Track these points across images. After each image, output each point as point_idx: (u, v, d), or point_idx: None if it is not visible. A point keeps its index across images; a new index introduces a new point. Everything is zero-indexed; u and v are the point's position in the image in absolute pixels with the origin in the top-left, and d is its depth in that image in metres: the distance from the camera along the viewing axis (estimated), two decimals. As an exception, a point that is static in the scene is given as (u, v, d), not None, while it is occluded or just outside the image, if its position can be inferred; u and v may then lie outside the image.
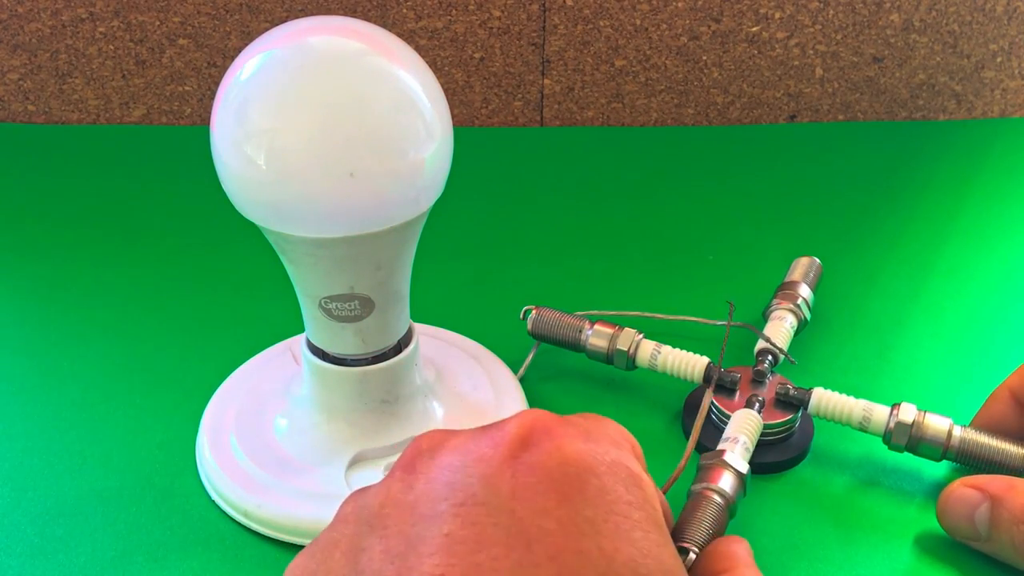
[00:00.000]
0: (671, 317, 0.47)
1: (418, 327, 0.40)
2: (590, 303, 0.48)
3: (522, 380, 0.44)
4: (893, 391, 0.45)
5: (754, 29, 0.65)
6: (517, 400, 0.42)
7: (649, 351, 0.43)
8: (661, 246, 0.55)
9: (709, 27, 0.65)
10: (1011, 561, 0.36)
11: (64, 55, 0.64)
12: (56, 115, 0.67)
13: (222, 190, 0.34)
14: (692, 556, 0.33)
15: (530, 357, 0.45)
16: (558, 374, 0.45)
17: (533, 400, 0.43)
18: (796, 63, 0.66)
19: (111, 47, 0.64)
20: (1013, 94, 0.69)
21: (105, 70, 0.65)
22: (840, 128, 0.68)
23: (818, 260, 0.49)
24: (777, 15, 0.64)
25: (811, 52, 0.66)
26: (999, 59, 0.67)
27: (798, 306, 0.46)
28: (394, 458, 0.38)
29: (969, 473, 0.39)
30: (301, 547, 0.36)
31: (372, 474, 0.38)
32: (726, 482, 0.36)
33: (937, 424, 0.38)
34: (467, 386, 0.42)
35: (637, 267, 0.53)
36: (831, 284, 0.50)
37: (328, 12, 0.64)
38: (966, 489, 0.37)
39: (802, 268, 0.48)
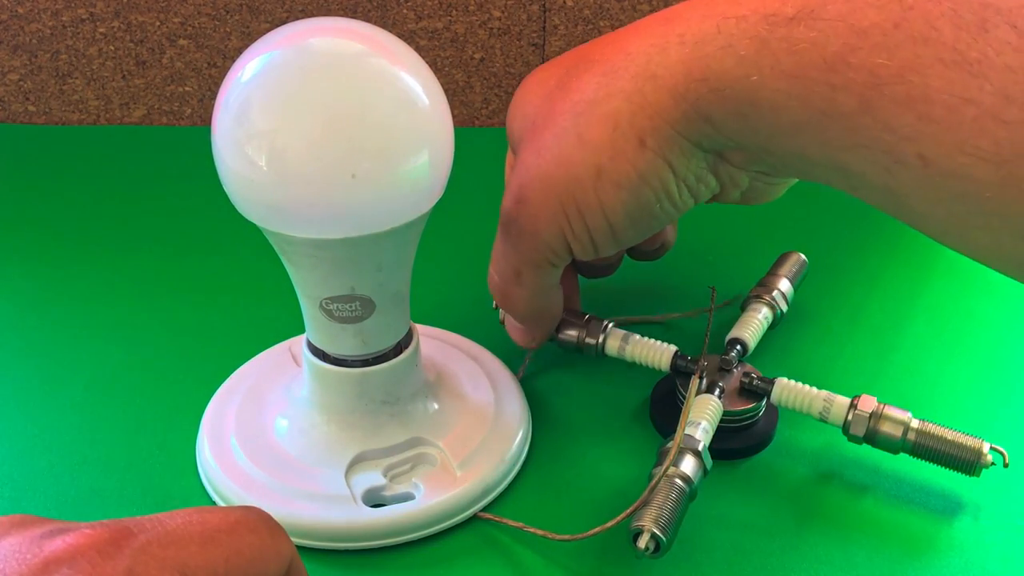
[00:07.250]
0: (647, 319, 0.48)
1: (418, 328, 0.40)
2: (588, 303, 0.48)
3: (522, 380, 0.44)
4: (893, 394, 0.44)
5: (754, 30, 0.65)
6: (517, 400, 0.42)
7: (618, 341, 0.43)
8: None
9: (709, 28, 0.65)
10: None
11: (64, 56, 0.64)
12: (56, 115, 0.67)
13: (222, 190, 0.34)
14: (647, 536, 0.34)
15: (528, 357, 0.45)
16: (558, 374, 0.45)
17: (534, 400, 0.43)
18: (796, 64, 0.66)
19: (111, 48, 0.64)
20: (1013, 95, 0.68)
21: (105, 70, 0.65)
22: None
23: (803, 256, 0.49)
24: (777, 16, 0.64)
25: (811, 53, 0.66)
26: (999, 60, 0.67)
27: (773, 298, 0.46)
28: (394, 459, 0.39)
29: (927, 465, 0.39)
30: (301, 548, 0.36)
31: (372, 475, 0.38)
32: (687, 466, 0.36)
33: (895, 416, 0.38)
34: (467, 387, 0.42)
35: (634, 264, 0.53)
36: (831, 284, 0.50)
37: (328, 13, 0.64)
38: None
39: (783, 263, 0.48)
